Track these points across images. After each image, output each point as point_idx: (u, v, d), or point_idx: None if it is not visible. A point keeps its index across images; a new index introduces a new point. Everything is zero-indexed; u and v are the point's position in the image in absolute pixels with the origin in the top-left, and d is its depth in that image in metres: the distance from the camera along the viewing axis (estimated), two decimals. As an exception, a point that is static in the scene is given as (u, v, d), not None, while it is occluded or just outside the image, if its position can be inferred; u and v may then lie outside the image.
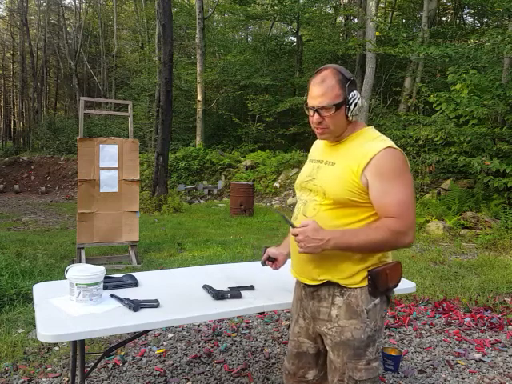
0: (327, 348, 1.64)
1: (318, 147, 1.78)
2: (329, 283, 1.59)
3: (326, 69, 1.57)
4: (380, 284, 1.55)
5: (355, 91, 1.56)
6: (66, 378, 2.67)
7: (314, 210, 1.60)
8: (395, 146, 1.53)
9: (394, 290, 1.68)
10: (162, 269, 4.22)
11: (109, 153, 5.43)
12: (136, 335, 2.24)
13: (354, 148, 1.57)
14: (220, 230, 7.90)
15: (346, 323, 1.56)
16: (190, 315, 1.85)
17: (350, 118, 1.56)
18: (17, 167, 17.33)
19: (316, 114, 1.56)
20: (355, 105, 1.55)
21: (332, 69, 1.56)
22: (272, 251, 1.94)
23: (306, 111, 1.62)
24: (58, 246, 6.24)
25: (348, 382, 1.58)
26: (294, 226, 1.56)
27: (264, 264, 1.96)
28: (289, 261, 1.83)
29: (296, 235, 1.50)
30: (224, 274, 2.38)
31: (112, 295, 1.98)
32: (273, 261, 1.93)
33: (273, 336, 3.34)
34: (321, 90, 1.54)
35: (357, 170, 1.50)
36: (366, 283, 1.55)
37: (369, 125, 1.67)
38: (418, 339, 3.33)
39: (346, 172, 1.53)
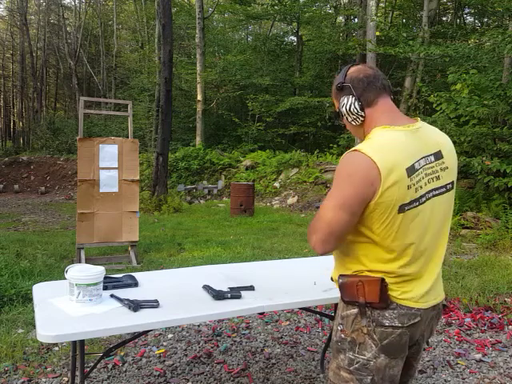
0: None
1: None
2: None
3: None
4: (345, 293, 1.42)
5: (343, 96, 1.46)
6: (66, 379, 2.66)
7: None
8: (367, 149, 1.31)
9: (383, 311, 1.37)
10: (161, 269, 4.22)
11: (108, 153, 5.43)
12: (136, 335, 2.24)
13: None
14: (220, 230, 7.89)
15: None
16: (190, 315, 1.84)
17: (353, 123, 1.48)
18: (16, 167, 17.32)
19: None
20: (346, 110, 1.45)
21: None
22: None
23: None
24: (58, 246, 6.23)
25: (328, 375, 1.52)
26: None
27: None
28: None
29: None
30: (224, 274, 2.37)
31: (112, 295, 1.97)
32: None
33: (273, 336, 3.33)
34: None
35: None
36: None
37: None
38: (418, 339, 3.32)
39: None
